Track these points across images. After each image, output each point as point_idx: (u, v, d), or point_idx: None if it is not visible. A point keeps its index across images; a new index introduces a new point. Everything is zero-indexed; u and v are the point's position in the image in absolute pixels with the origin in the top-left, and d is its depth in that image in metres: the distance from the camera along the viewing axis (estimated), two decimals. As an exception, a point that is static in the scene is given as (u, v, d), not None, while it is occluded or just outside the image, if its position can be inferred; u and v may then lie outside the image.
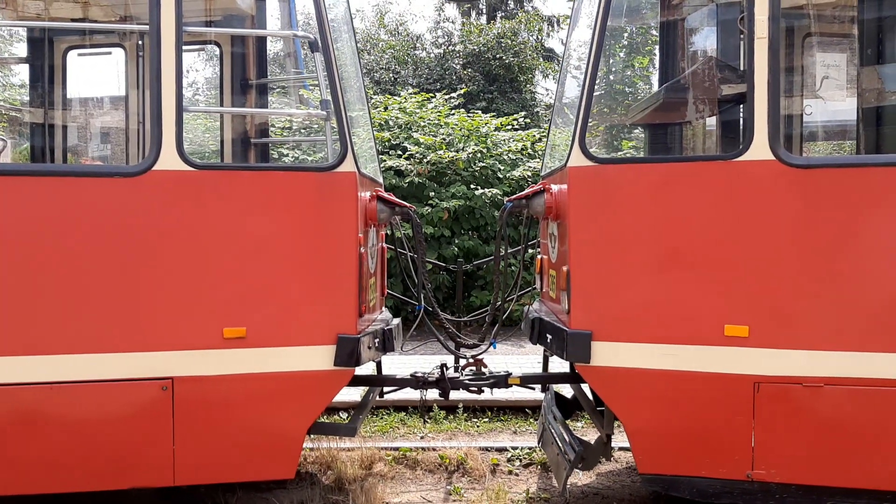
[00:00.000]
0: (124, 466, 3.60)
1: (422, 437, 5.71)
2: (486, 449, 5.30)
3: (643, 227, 3.58)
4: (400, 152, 10.49)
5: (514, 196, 4.18)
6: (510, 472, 4.94)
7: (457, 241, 10.06)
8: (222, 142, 5.25)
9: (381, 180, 4.95)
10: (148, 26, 3.59)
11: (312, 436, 4.74)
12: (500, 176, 10.62)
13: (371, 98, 12.33)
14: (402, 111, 11.41)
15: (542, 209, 4.04)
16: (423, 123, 11.18)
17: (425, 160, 10.23)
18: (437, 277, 9.84)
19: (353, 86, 5.17)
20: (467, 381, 4.34)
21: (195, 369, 3.58)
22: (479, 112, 12.19)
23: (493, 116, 12.06)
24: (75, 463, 3.55)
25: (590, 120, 3.65)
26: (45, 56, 5.41)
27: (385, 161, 10.12)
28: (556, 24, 25.31)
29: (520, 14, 23.42)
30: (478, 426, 6.02)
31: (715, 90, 3.73)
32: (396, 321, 4.61)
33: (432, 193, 10.06)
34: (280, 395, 3.66)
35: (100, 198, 3.55)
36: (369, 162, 4.86)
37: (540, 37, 22.96)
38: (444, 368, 4.35)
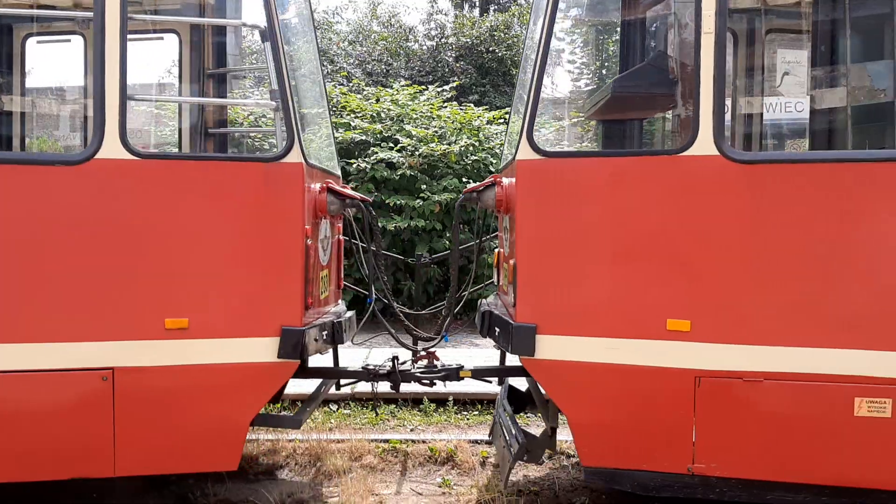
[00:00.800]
0: (64, 456, 3.57)
1: (412, 430, 5.72)
2: (476, 441, 5.31)
3: (590, 222, 3.57)
4: (392, 144, 10.45)
5: (467, 189, 4.17)
6: (499, 465, 4.93)
7: (448, 235, 10.04)
8: (180, 131, 5.21)
9: (338, 173, 4.92)
10: (92, 13, 3.55)
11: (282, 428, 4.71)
12: (493, 169, 10.59)
13: (363, 90, 12.27)
14: (394, 103, 11.35)
15: (493, 202, 4.03)
16: (415, 116, 11.14)
17: (417, 153, 10.21)
18: (427, 271, 9.78)
19: (314, 82, 5.16)
20: (418, 374, 4.34)
21: (136, 360, 3.55)
22: (472, 105, 12.12)
23: (486, 110, 12.01)
24: (14, 453, 3.52)
25: (538, 114, 3.64)
26: (3, 43, 5.35)
27: (377, 153, 10.08)
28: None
29: (513, 7, 23.36)
30: (468, 419, 6.02)
31: (662, 85, 3.73)
32: (350, 314, 4.60)
33: (424, 186, 10.03)
34: (223, 387, 3.64)
35: (41, 186, 3.50)
36: (327, 159, 4.86)
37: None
38: (396, 361, 4.35)
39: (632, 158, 3.64)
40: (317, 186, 3.98)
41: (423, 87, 12.28)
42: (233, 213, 3.63)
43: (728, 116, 5.07)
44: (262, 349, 3.64)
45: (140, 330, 3.55)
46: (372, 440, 5.24)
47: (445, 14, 24.74)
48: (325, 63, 19.79)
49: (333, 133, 9.76)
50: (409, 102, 11.42)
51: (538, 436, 4.07)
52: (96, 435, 3.56)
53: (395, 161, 10.07)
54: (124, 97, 3.54)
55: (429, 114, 11.20)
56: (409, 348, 4.39)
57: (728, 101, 4.87)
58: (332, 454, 4.87)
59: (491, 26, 20.46)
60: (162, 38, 5.31)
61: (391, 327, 4.36)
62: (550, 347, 3.62)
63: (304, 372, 4.57)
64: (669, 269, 3.49)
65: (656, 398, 3.54)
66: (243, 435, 3.73)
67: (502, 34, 20.15)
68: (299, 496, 4.33)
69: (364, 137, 10.45)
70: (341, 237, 4.85)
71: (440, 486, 4.56)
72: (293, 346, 3.64)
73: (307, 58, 5.10)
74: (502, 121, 11.92)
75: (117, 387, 3.55)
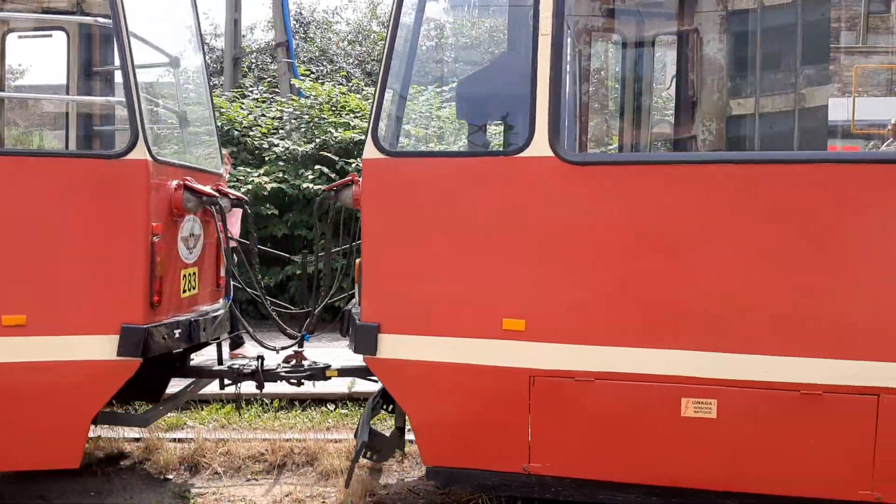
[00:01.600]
0: None
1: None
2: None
3: (431, 221, 3.58)
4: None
5: (326, 187, 4.17)
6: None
7: None
8: (67, 129, 5.20)
9: (219, 172, 4.90)
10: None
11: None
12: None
13: (363, 89, 12.28)
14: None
15: (351, 201, 4.03)
16: (414, 116, 11.16)
17: (417, 152, 10.20)
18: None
19: (197, 84, 5.16)
20: (283, 374, 4.34)
21: (-28, 357, 3.53)
22: (471, 105, 12.08)
23: None
24: None
25: (382, 113, 3.65)
26: None
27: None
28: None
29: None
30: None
31: (503, 86, 3.75)
32: (220, 312, 4.58)
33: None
34: (63, 385, 3.62)
35: None
36: (206, 159, 4.85)
37: (532, 31, 22.95)
38: (261, 360, 4.35)
39: (471, 159, 3.67)
40: (173, 184, 3.97)
41: (423, 87, 12.28)
42: (74, 209, 3.62)
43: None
44: (103, 347, 3.63)
45: (-25, 327, 3.53)
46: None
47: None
48: (324, 63, 19.80)
49: (333, 132, 9.48)
50: (409, 103, 11.41)
51: (388, 435, 4.07)
52: (-69, 432, 3.54)
53: None
54: (-36, 92, 3.53)
55: (428, 114, 11.21)
56: (267, 347, 4.39)
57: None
58: (330, 454, 4.86)
59: (490, 27, 20.51)
60: (51, 36, 5.30)
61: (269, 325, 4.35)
62: (392, 347, 3.63)
63: (173, 371, 4.57)
64: (506, 268, 3.50)
65: (493, 398, 3.55)
66: (85, 433, 3.72)
67: (502, 35, 20.20)
68: (297, 496, 4.33)
69: (363, 137, 10.43)
70: (224, 235, 4.84)
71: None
72: (133, 345, 3.63)
73: (193, 61, 5.12)
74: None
75: (-47, 384, 3.53)
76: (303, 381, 4.40)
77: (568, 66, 4.55)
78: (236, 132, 10.21)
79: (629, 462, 3.47)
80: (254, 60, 22.52)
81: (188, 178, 4.10)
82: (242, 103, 10.95)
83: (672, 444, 3.40)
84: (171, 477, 4.59)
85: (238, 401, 4.89)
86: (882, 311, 3.16)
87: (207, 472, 4.65)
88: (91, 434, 5.03)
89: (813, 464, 3.29)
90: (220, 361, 4.85)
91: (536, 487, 3.58)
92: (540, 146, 3.43)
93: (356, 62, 20.45)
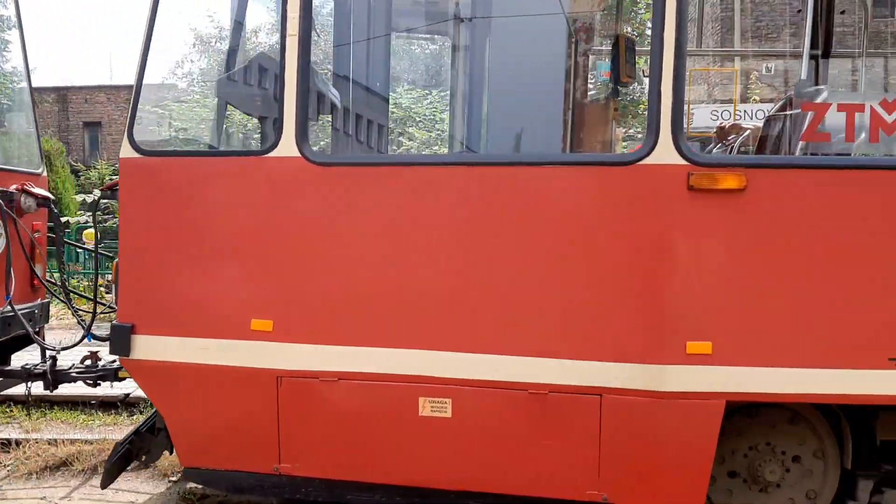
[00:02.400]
0: None
1: None
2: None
3: (183, 221, 3.56)
4: (395, 147, 10.45)
5: (105, 186, 4.15)
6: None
7: None
8: None
9: (38, 172, 4.87)
10: None
11: None
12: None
13: None
14: (398, 106, 11.33)
15: (128, 201, 4.00)
16: (418, 119, 11.16)
17: (421, 155, 10.23)
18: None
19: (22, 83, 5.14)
20: (74, 374, 4.31)
21: None
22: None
23: None
24: None
25: (139, 111, 3.63)
26: None
27: (380, 155, 10.12)
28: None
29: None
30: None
31: (256, 87, 3.74)
32: (10, 313, 4.53)
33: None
34: None
35: None
36: (21, 159, 4.82)
37: (536, 34, 22.92)
38: (54, 360, 4.32)
39: (222, 158, 3.66)
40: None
41: (427, 90, 12.21)
42: None
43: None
44: None
45: None
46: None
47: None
48: (327, 65, 19.69)
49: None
50: (413, 106, 11.43)
51: (157, 436, 4.05)
52: None
53: None
54: None
55: (432, 117, 11.20)
56: (47, 348, 4.36)
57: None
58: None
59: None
60: None
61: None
62: (146, 348, 3.60)
63: None
64: (255, 269, 3.49)
65: (244, 398, 3.54)
66: None
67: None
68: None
69: None
70: (44, 234, 4.82)
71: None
72: None
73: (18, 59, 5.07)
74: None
75: None
76: (98, 381, 4.38)
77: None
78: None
79: (373, 462, 3.47)
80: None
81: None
82: None
83: (412, 443, 3.41)
84: (175, 479, 4.58)
85: (27, 402, 4.86)
86: (598, 310, 3.17)
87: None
88: (97, 436, 5.15)
89: (544, 464, 3.30)
90: (43, 358, 4.82)
91: (287, 488, 3.58)
92: (288, 147, 3.42)
93: (358, 63, 20.53)
